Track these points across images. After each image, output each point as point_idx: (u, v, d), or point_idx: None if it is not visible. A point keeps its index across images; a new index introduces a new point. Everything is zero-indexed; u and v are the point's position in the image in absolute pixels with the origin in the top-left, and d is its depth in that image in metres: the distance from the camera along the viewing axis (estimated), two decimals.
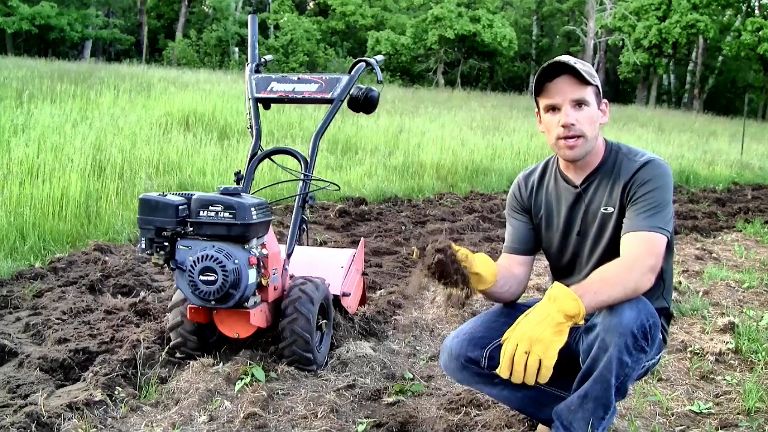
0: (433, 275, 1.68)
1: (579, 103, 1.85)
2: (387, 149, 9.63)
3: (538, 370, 1.60)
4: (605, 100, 1.92)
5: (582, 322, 1.65)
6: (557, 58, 1.85)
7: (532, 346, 1.59)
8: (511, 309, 2.03)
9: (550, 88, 1.86)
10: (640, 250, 1.75)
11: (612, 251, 1.87)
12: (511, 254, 2.07)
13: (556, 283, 1.70)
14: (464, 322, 2.07)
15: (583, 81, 1.83)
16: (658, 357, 1.97)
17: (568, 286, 1.70)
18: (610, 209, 1.89)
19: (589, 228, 1.95)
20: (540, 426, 2.10)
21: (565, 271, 2.06)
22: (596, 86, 1.86)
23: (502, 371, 1.63)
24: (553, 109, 1.87)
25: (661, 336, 1.93)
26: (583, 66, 1.86)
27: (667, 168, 1.87)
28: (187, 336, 2.60)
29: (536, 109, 1.96)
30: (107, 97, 10.16)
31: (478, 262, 1.78)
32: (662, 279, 1.94)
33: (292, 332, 2.51)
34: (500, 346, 1.69)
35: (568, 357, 1.95)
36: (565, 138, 1.86)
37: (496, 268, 1.85)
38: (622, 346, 1.69)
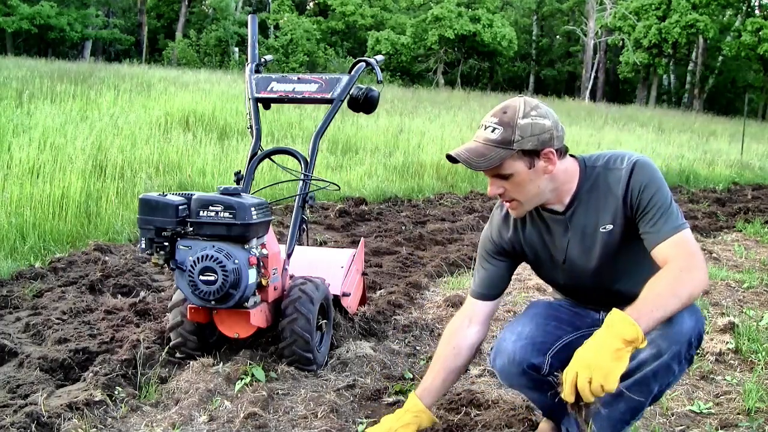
0: None
1: (499, 177, 1.80)
2: (387, 149, 9.63)
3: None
4: (549, 149, 1.76)
5: (644, 345, 1.60)
6: (449, 152, 1.79)
7: (593, 374, 1.56)
8: (556, 311, 2.02)
9: None
10: (679, 255, 1.69)
11: (623, 266, 1.84)
12: (477, 300, 2.02)
13: (614, 309, 1.64)
14: (512, 323, 2.03)
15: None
16: None
17: (596, 307, 1.74)
18: (609, 226, 1.82)
19: (591, 250, 1.87)
20: (541, 425, 2.10)
21: (578, 297, 2.03)
22: (518, 150, 1.74)
23: (566, 397, 1.61)
24: None
25: None
26: (498, 132, 1.75)
27: (652, 164, 1.81)
28: (187, 336, 2.60)
29: None
30: (107, 97, 10.16)
31: (425, 425, 1.94)
32: None
33: (292, 332, 2.51)
34: (560, 350, 1.74)
35: None
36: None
37: (431, 413, 1.98)
38: (676, 354, 1.68)
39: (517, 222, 1.97)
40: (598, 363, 1.56)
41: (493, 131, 1.75)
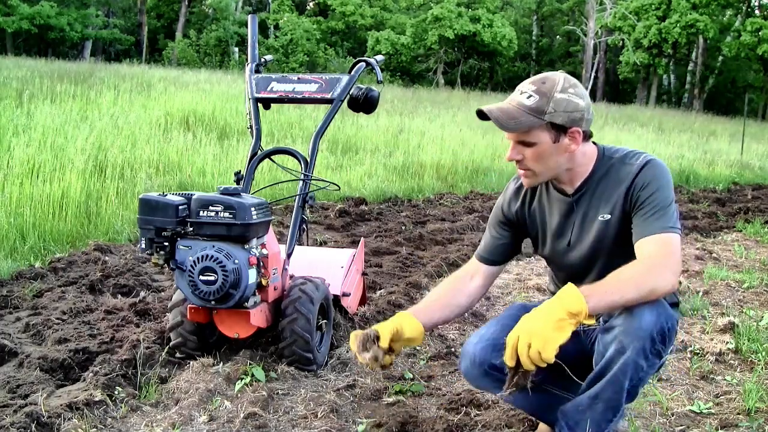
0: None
1: (522, 143, 1.82)
2: (387, 149, 9.63)
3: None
4: (575, 129, 1.80)
5: (590, 322, 1.64)
6: (482, 107, 1.80)
7: (532, 340, 1.61)
8: (528, 312, 2.04)
9: None
10: (656, 252, 1.72)
11: (614, 258, 1.85)
12: (479, 262, 2.09)
13: (569, 283, 1.69)
14: (481, 327, 2.06)
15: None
16: (665, 357, 1.96)
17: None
18: (608, 216, 1.86)
19: (585, 237, 1.91)
20: (540, 425, 2.10)
21: (568, 280, 2.05)
22: (548, 122, 1.77)
23: (507, 359, 1.66)
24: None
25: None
26: (533, 101, 1.76)
27: (665, 167, 1.85)
28: (187, 336, 2.60)
29: None
30: (107, 97, 10.16)
31: (406, 329, 1.87)
32: None
33: (292, 332, 2.51)
34: None
35: (581, 359, 1.94)
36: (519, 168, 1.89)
37: (421, 326, 1.91)
38: (639, 349, 1.69)
39: (526, 196, 2.02)
40: (539, 330, 1.62)
41: (528, 98, 1.78)
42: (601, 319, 1.92)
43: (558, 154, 1.83)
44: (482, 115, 1.82)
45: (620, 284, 1.68)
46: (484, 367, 1.93)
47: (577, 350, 1.99)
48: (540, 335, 1.61)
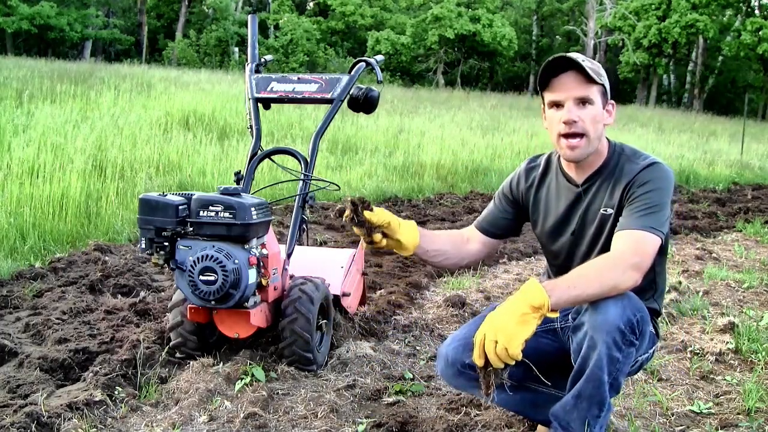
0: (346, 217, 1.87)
1: (583, 101, 1.84)
2: (387, 149, 9.63)
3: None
4: (612, 102, 1.91)
5: (554, 315, 1.66)
6: (563, 54, 1.85)
7: (497, 335, 1.62)
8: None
9: (555, 83, 1.86)
10: (626, 248, 1.75)
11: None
12: (478, 230, 2.13)
13: (531, 278, 1.72)
14: (460, 326, 2.07)
15: (589, 79, 1.82)
16: (651, 351, 1.97)
17: None
18: (609, 210, 1.89)
19: (587, 228, 1.94)
20: (540, 426, 2.11)
21: (561, 270, 2.06)
22: (602, 86, 1.86)
23: (475, 359, 1.66)
24: (557, 105, 1.87)
25: (653, 330, 1.94)
26: (591, 64, 1.86)
27: (669, 172, 1.86)
28: (187, 336, 2.60)
29: (542, 105, 1.96)
30: (107, 97, 10.15)
31: (402, 230, 1.93)
32: (655, 282, 1.95)
33: (292, 332, 2.51)
34: None
35: (563, 357, 1.95)
36: (566, 136, 1.86)
37: (419, 240, 1.97)
38: (610, 342, 1.70)
39: (535, 179, 2.05)
40: (504, 326, 1.63)
41: (583, 61, 1.84)
42: (570, 316, 1.93)
43: (601, 123, 1.88)
44: (548, 67, 1.85)
45: (583, 279, 1.71)
46: (457, 366, 1.95)
47: (557, 348, 1.99)
48: (505, 331, 1.61)
